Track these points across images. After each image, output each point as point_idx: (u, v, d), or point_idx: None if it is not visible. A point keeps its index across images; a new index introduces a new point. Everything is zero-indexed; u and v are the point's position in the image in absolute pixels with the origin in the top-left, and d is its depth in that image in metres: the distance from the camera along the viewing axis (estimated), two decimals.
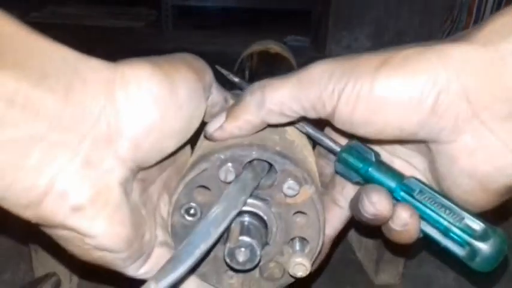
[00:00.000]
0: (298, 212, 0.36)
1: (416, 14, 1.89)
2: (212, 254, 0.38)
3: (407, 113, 0.32)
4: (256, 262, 0.34)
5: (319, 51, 1.91)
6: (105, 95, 0.29)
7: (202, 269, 0.38)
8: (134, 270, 0.34)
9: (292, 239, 0.37)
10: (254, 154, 0.35)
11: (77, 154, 0.29)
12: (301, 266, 0.36)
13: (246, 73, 0.62)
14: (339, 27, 1.89)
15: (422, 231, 0.36)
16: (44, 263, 0.55)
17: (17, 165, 0.27)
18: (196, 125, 0.35)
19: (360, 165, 0.38)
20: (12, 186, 0.27)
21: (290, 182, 0.35)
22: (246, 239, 0.34)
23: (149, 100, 0.31)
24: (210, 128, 0.37)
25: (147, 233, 0.34)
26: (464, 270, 0.60)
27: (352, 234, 0.66)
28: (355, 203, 0.37)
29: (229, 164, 0.35)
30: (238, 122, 0.36)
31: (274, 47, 0.71)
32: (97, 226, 0.30)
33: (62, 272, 0.55)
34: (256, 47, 0.71)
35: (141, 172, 0.34)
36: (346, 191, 0.41)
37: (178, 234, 0.36)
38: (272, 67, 0.66)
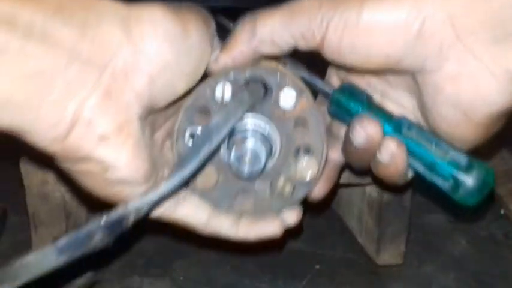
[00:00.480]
0: (298, 122, 0.38)
1: None
2: (221, 178, 0.39)
3: (393, 38, 0.33)
4: (261, 167, 0.36)
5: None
6: (120, 32, 0.30)
7: (213, 195, 0.39)
8: None
9: (297, 151, 0.39)
10: (248, 72, 0.37)
11: (97, 86, 0.30)
12: (308, 168, 0.38)
13: None
14: None
15: (410, 166, 0.37)
16: (43, 239, 0.54)
17: (42, 97, 0.28)
18: (203, 69, 0.36)
19: (352, 105, 0.39)
20: (39, 118, 0.28)
21: (286, 91, 0.37)
22: (249, 144, 0.36)
23: (164, 39, 0.32)
24: None
25: (160, 171, 0.36)
26: (464, 270, 0.60)
27: (353, 221, 0.66)
28: (346, 135, 0.39)
29: (226, 82, 0.36)
30: (231, 53, 0.37)
31: None
32: (121, 157, 0.31)
33: None
34: None
35: (149, 116, 0.35)
36: (341, 135, 0.42)
37: None
38: None
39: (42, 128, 0.29)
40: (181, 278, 0.57)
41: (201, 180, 0.39)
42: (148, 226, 0.39)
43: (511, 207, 0.71)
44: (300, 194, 0.40)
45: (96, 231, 0.32)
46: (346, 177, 0.56)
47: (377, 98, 0.41)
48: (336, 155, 0.42)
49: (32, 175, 0.52)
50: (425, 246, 0.65)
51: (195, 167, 0.34)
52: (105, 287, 0.56)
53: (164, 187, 0.34)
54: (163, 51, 0.32)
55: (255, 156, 0.36)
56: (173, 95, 0.34)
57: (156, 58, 0.31)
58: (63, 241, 0.32)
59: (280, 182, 0.39)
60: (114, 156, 0.31)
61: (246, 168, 0.36)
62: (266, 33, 0.36)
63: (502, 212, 0.72)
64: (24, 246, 0.58)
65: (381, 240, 0.60)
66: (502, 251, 0.65)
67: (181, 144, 0.38)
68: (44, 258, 0.31)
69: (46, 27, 0.27)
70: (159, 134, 0.38)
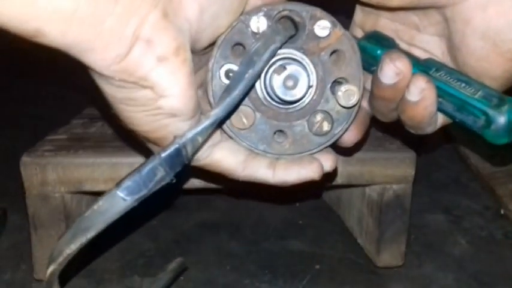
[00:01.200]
0: (334, 52, 0.38)
1: None
2: (258, 117, 0.38)
3: None
4: (306, 87, 0.36)
5: None
6: None
7: (249, 136, 0.39)
8: None
9: (333, 84, 0.38)
10: (282, 6, 0.36)
11: (156, 4, 0.29)
12: (350, 92, 0.37)
13: None
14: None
15: (438, 107, 0.37)
16: (42, 240, 0.55)
17: (107, 10, 0.27)
18: (242, 7, 0.35)
19: (378, 51, 0.39)
20: (103, 34, 0.28)
21: (321, 22, 0.36)
22: (292, 67, 0.36)
23: None
24: None
25: (202, 107, 0.35)
26: (464, 270, 0.60)
27: (353, 222, 0.66)
28: (374, 79, 0.38)
29: (260, 16, 0.36)
30: None
31: None
32: (177, 83, 0.31)
33: None
34: None
35: None
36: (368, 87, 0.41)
37: None
38: None
39: (104, 44, 0.28)
40: (182, 278, 0.57)
41: (237, 121, 0.38)
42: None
43: (511, 207, 0.71)
44: (338, 130, 0.39)
45: (157, 167, 0.31)
46: (346, 177, 0.56)
47: (403, 46, 0.40)
48: (365, 104, 0.42)
49: (31, 176, 0.52)
50: (425, 246, 0.65)
51: (241, 92, 0.33)
52: (105, 287, 0.56)
53: (215, 114, 0.33)
54: None
55: (297, 80, 0.36)
56: (215, 32, 0.34)
57: None
58: (127, 182, 0.31)
59: (318, 117, 0.39)
60: (171, 81, 0.30)
61: (288, 94, 0.36)
62: None
63: (502, 212, 0.72)
64: (24, 246, 0.58)
65: (381, 241, 0.60)
66: (502, 251, 0.65)
67: (216, 82, 0.37)
68: (112, 203, 0.31)
69: None
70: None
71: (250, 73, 0.33)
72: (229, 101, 0.33)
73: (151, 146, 0.36)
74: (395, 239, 0.60)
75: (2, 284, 0.56)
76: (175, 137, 0.33)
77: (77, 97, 0.81)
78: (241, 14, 0.36)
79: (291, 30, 0.36)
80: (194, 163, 0.38)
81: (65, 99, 1.02)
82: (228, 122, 0.38)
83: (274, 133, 0.39)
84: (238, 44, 0.36)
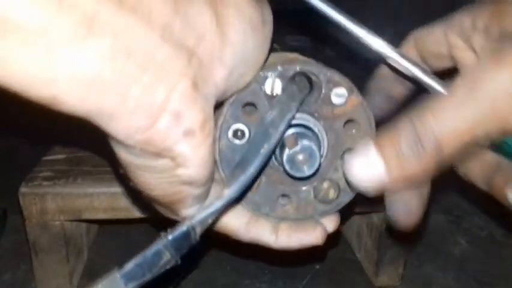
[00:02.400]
0: (348, 121, 0.36)
1: (417, 14, 1.88)
2: (263, 179, 0.37)
3: None
4: (316, 166, 0.33)
5: (319, 51, 1.91)
6: (210, 12, 0.27)
7: (254, 197, 0.37)
8: (190, 210, 0.33)
9: (345, 152, 0.36)
10: (299, 67, 0.34)
11: (186, 73, 0.26)
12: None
13: None
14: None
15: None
16: (43, 264, 0.55)
17: (131, 78, 0.25)
18: (263, 63, 0.33)
19: None
20: (127, 101, 0.25)
21: (338, 89, 0.34)
22: (304, 142, 0.33)
23: (249, 28, 0.29)
24: None
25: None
26: (464, 270, 0.60)
27: (352, 235, 0.66)
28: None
29: (274, 76, 0.34)
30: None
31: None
32: (199, 155, 0.28)
33: (62, 273, 0.55)
34: None
35: None
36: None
37: (227, 159, 0.35)
38: None
39: (128, 112, 0.25)
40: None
41: None
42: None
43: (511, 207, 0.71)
44: (345, 199, 0.37)
45: (164, 249, 0.29)
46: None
47: None
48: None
49: (30, 206, 0.52)
50: (425, 246, 0.65)
51: (257, 169, 0.31)
52: None
53: (228, 195, 0.31)
54: (247, 41, 0.29)
55: (311, 155, 0.33)
56: (237, 88, 0.32)
57: (239, 49, 0.29)
58: (130, 266, 0.29)
59: (325, 185, 0.37)
60: (194, 154, 0.28)
61: (301, 168, 0.34)
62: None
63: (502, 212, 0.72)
64: (24, 246, 0.58)
65: (380, 264, 0.59)
66: (502, 251, 0.65)
67: (224, 141, 0.35)
68: (112, 287, 0.28)
69: None
70: None
71: (266, 148, 0.31)
72: (244, 179, 0.30)
73: (159, 207, 0.34)
74: (394, 262, 0.59)
75: (2, 284, 0.56)
76: (184, 218, 0.31)
77: None
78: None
79: (306, 89, 0.34)
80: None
81: None
82: None
83: (279, 197, 0.37)
84: (250, 103, 0.35)
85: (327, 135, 0.36)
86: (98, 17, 0.23)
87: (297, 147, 0.33)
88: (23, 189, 0.52)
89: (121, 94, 0.25)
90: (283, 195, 0.37)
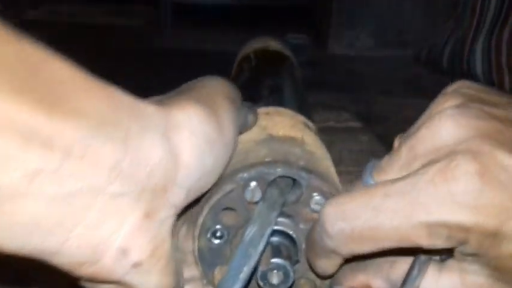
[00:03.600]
0: None
1: (419, 11, 1.87)
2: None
3: None
4: (290, 284, 0.33)
5: (320, 49, 1.90)
6: (161, 143, 0.28)
7: None
8: None
9: None
10: (279, 171, 0.34)
11: (137, 206, 0.27)
12: None
13: (245, 73, 0.61)
14: (341, 24, 1.88)
15: None
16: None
17: (76, 219, 0.25)
18: (231, 153, 0.34)
19: None
20: (70, 241, 0.25)
21: (317, 198, 0.34)
22: (278, 261, 0.33)
23: (205, 146, 0.30)
24: None
25: (181, 278, 0.33)
26: None
27: None
28: None
29: (254, 183, 0.34)
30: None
31: (272, 44, 0.70)
32: (150, 281, 0.29)
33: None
34: (255, 44, 0.69)
35: None
36: None
37: (206, 259, 0.36)
38: (273, 66, 0.64)
39: (70, 252, 0.25)
40: None
41: None
42: None
43: None
44: None
45: None
46: None
47: None
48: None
49: None
50: None
51: None
52: None
53: None
54: (203, 160, 0.29)
55: (285, 273, 0.33)
56: (202, 192, 0.32)
57: (195, 170, 0.29)
58: None
59: (302, 282, 0.37)
60: (144, 281, 0.28)
61: (275, 286, 0.34)
62: None
63: None
64: None
65: None
66: None
67: (203, 241, 0.35)
68: None
69: (88, 144, 0.24)
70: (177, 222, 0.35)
71: (245, 271, 0.31)
72: None
73: None
74: None
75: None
76: None
77: None
78: (235, 172, 0.35)
79: (288, 188, 0.35)
80: None
81: None
82: None
83: None
84: (230, 208, 0.35)
85: (305, 239, 0.35)
86: (43, 169, 0.23)
87: (271, 265, 0.33)
88: None
89: (63, 236, 0.25)
90: None
